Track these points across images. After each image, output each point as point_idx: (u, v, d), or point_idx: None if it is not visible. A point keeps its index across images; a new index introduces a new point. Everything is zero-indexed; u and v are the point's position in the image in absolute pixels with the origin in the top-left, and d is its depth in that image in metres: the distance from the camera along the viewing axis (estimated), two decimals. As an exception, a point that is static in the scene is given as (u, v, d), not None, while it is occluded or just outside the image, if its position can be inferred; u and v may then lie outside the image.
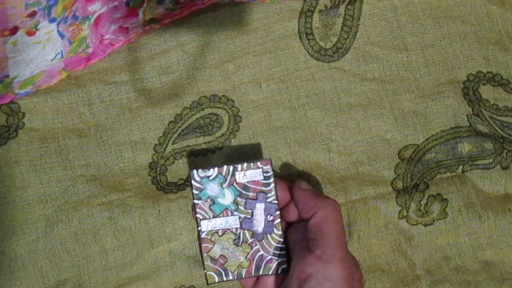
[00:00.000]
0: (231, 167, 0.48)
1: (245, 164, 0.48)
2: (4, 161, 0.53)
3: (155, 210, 0.52)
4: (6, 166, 0.52)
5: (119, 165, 0.54)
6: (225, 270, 0.48)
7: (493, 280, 0.52)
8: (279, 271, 0.47)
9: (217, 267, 0.48)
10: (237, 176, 0.48)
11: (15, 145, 0.53)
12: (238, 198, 0.48)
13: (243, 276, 0.48)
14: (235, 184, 0.48)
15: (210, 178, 0.48)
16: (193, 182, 0.48)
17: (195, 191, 0.48)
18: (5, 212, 0.52)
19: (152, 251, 0.52)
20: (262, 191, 0.48)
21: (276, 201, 0.48)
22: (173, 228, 0.52)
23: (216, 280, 0.48)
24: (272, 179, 0.48)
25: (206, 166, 0.50)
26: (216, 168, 0.48)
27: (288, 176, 0.54)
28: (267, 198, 0.48)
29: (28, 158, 0.53)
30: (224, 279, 0.48)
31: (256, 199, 0.48)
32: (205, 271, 0.48)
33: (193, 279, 0.53)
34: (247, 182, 0.48)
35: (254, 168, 0.48)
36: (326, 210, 0.45)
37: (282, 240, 0.48)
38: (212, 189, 0.48)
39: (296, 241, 0.47)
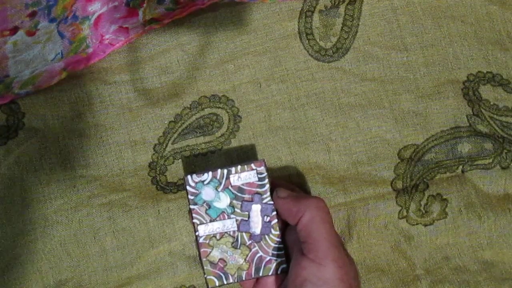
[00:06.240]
0: (225, 170, 0.48)
1: (239, 167, 0.48)
2: (4, 161, 0.53)
3: (155, 210, 0.52)
4: (6, 166, 0.53)
5: (119, 165, 0.54)
6: (225, 273, 0.48)
7: (493, 280, 0.52)
8: (278, 271, 0.47)
9: (217, 271, 0.48)
10: (231, 179, 0.48)
11: (15, 145, 0.53)
12: (234, 201, 0.48)
13: (243, 279, 0.48)
14: (230, 187, 0.48)
15: (205, 182, 0.48)
16: (188, 187, 0.48)
17: (190, 197, 0.48)
18: (4, 212, 0.52)
19: (152, 251, 0.52)
20: (258, 193, 0.48)
21: (272, 202, 0.48)
22: (173, 228, 0.52)
23: (217, 284, 0.48)
24: (266, 180, 0.48)
25: (202, 169, 0.50)
26: (210, 172, 0.48)
27: (288, 176, 0.54)
28: (263, 199, 0.48)
29: (28, 158, 0.53)
30: (225, 282, 0.48)
31: (252, 201, 0.48)
32: (205, 275, 0.48)
33: (193, 279, 0.53)
34: (242, 184, 0.48)
35: (248, 170, 0.48)
36: (311, 211, 0.44)
37: (280, 240, 0.48)
38: (208, 193, 0.48)
39: (294, 241, 0.46)
